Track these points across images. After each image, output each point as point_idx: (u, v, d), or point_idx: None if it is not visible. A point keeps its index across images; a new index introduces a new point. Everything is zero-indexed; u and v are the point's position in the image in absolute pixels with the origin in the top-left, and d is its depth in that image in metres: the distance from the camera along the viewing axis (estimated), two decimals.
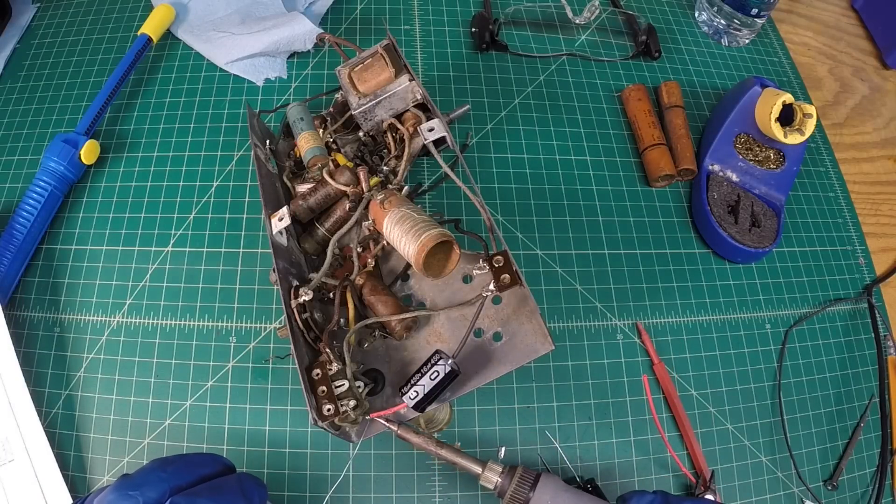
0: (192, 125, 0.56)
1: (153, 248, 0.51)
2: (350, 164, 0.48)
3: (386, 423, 0.37)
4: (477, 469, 0.37)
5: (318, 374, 0.36)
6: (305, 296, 0.38)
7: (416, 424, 0.43)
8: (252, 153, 0.46)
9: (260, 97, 0.58)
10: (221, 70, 0.59)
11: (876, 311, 0.55)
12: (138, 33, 0.57)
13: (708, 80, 0.65)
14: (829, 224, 0.60)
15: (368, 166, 0.48)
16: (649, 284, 0.53)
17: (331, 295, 0.41)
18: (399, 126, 0.47)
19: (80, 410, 0.46)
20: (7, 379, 0.45)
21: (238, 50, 0.58)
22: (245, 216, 0.52)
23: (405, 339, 0.42)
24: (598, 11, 0.62)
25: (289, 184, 0.48)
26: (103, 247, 0.51)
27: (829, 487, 0.49)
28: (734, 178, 0.56)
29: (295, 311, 0.38)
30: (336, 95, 0.51)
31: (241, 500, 0.30)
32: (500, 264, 0.38)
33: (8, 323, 0.46)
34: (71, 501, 0.42)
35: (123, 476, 0.31)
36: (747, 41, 0.68)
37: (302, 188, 0.47)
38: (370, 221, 0.42)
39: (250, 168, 0.54)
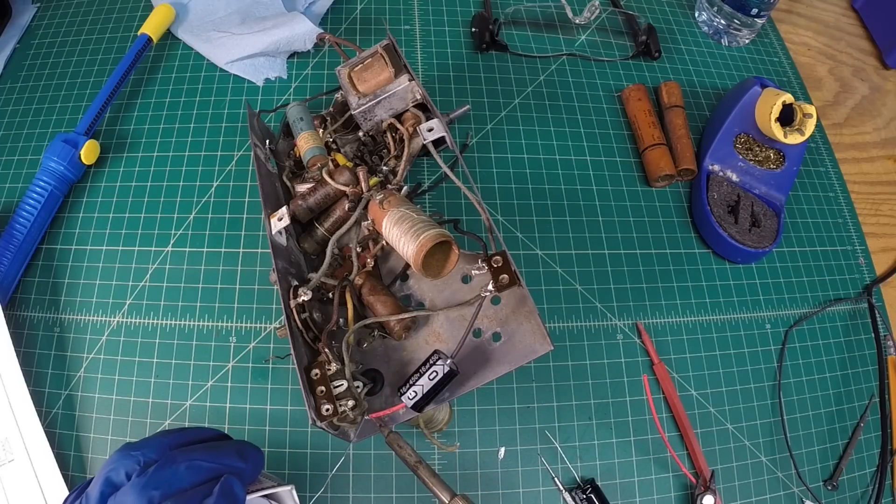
0: (192, 125, 0.56)
1: (153, 248, 0.51)
2: (350, 164, 0.48)
3: (377, 426, 0.37)
4: (444, 499, 0.36)
5: (316, 375, 0.36)
6: (304, 296, 0.38)
7: (415, 424, 0.43)
8: (252, 153, 0.46)
9: (260, 97, 0.58)
10: (221, 70, 0.59)
11: (876, 311, 0.55)
12: (138, 33, 0.57)
13: (708, 80, 0.65)
14: (829, 224, 0.60)
15: (368, 166, 0.48)
16: (649, 284, 0.53)
17: (330, 295, 0.41)
18: (399, 126, 0.47)
19: (80, 410, 0.46)
20: (7, 379, 0.45)
21: (238, 50, 0.58)
22: (245, 216, 0.52)
23: (404, 339, 0.42)
24: (598, 11, 0.62)
25: (288, 184, 0.48)
26: (103, 247, 0.51)
27: (829, 487, 0.49)
28: (734, 178, 0.56)
29: (294, 311, 0.38)
30: (336, 95, 0.51)
31: (237, 458, 0.31)
32: (499, 264, 0.38)
33: (8, 323, 0.46)
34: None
35: (126, 443, 0.32)
36: (747, 41, 0.68)
37: (301, 188, 0.47)
38: (369, 221, 0.42)
39: (250, 168, 0.54)
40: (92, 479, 0.31)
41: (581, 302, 0.51)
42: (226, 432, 0.45)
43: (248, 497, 0.31)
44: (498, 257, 0.38)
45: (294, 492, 0.34)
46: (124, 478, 0.30)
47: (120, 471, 0.30)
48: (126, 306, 0.49)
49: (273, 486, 0.34)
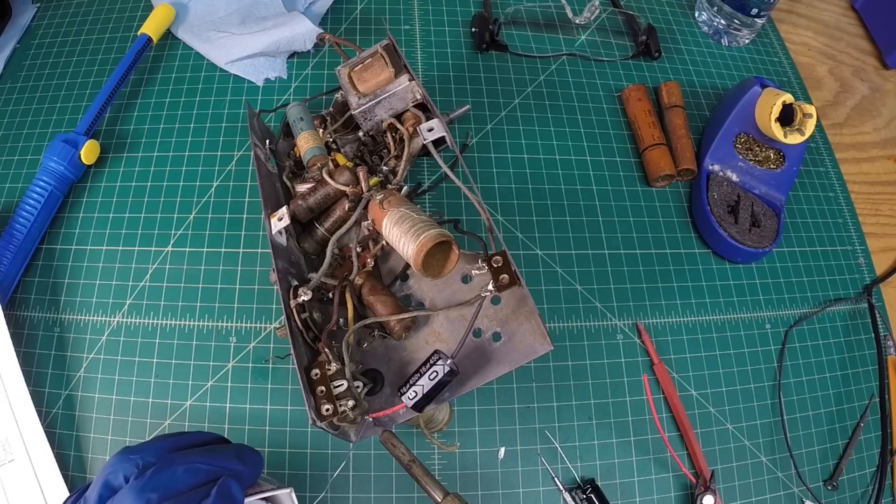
0: (192, 125, 0.56)
1: (153, 248, 0.51)
2: (350, 164, 0.48)
3: (374, 426, 0.37)
4: (437, 498, 0.36)
5: (317, 374, 0.36)
6: (304, 296, 0.38)
7: (415, 424, 0.43)
8: (252, 153, 0.46)
9: (260, 97, 0.58)
10: (221, 70, 0.59)
11: (876, 311, 0.55)
12: (138, 33, 0.57)
13: (708, 80, 0.65)
14: (829, 224, 0.60)
15: (368, 166, 0.48)
16: (649, 284, 0.53)
17: (330, 295, 0.41)
18: (399, 126, 0.47)
19: (80, 410, 0.46)
20: (7, 379, 0.45)
21: (238, 50, 0.58)
22: (245, 216, 0.52)
23: (404, 339, 0.42)
24: (598, 11, 0.62)
25: (288, 184, 0.48)
26: (103, 247, 0.51)
27: (829, 487, 0.49)
28: (734, 178, 0.56)
29: (294, 311, 0.38)
30: (336, 95, 0.51)
31: (235, 461, 0.31)
32: (499, 264, 0.38)
33: (8, 323, 0.46)
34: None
35: (124, 447, 0.32)
36: (747, 41, 0.68)
37: (302, 188, 0.47)
38: (369, 221, 0.42)
39: (250, 168, 0.54)
40: (91, 482, 0.31)
41: (581, 302, 0.51)
42: (226, 433, 0.45)
43: (247, 500, 0.31)
44: (498, 257, 0.38)
45: (293, 494, 0.34)
46: (122, 481, 0.30)
47: (118, 474, 0.30)
48: (126, 306, 0.49)
49: (272, 489, 0.34)
